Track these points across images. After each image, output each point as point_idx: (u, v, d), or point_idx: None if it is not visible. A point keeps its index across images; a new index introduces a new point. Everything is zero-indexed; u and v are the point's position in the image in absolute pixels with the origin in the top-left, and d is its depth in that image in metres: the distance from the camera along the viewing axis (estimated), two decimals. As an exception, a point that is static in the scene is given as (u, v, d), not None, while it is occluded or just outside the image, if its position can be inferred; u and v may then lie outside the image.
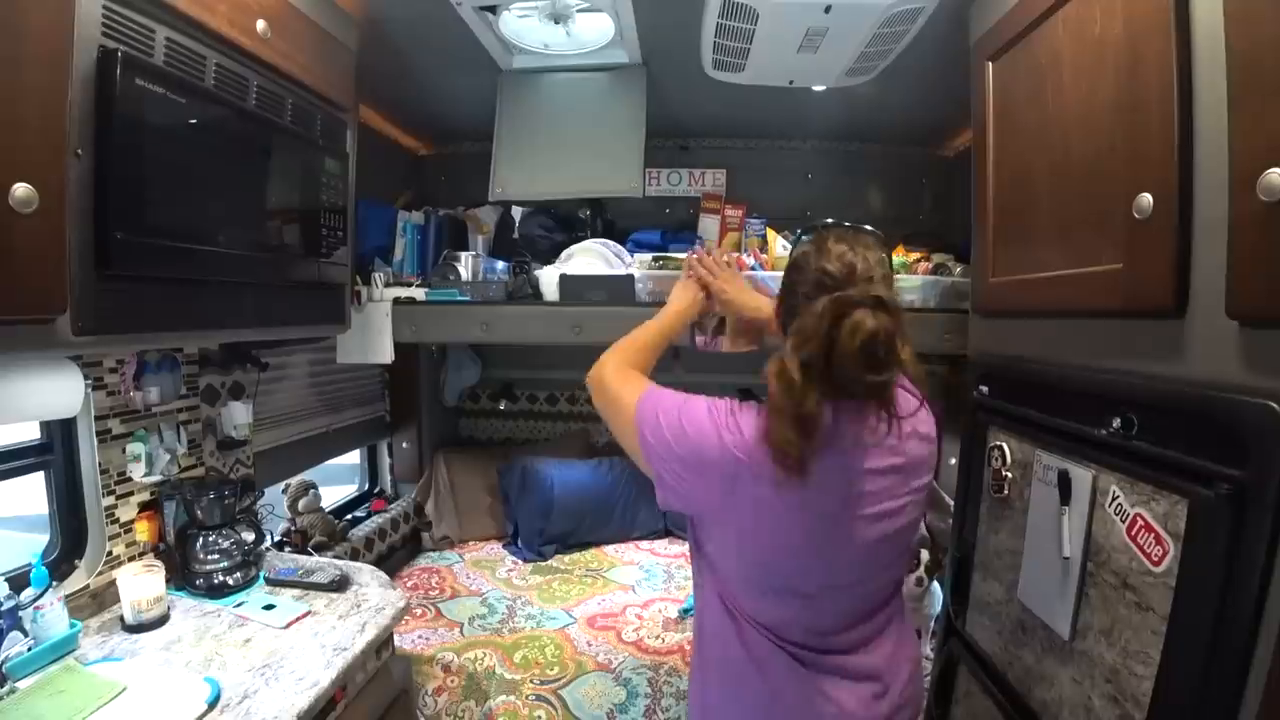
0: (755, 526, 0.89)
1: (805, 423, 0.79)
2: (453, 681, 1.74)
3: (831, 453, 0.84)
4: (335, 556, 1.85)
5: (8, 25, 0.77)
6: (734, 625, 0.95)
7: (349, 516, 2.45)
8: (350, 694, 1.29)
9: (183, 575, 1.48)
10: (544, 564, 2.46)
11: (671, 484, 0.91)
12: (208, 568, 1.48)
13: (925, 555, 1.90)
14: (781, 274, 0.97)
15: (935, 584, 1.90)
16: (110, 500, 1.40)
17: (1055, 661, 1.01)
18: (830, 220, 0.96)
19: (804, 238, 0.96)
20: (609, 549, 2.59)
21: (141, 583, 1.31)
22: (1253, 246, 0.69)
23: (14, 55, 0.79)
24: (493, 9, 1.55)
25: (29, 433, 1.37)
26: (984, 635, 1.25)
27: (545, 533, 2.54)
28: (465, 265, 1.87)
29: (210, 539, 1.50)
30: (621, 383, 1.02)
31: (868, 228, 0.95)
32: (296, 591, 1.51)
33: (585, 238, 2.04)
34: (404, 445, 2.73)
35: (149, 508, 1.49)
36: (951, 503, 1.75)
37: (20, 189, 0.79)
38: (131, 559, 1.44)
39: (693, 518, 0.99)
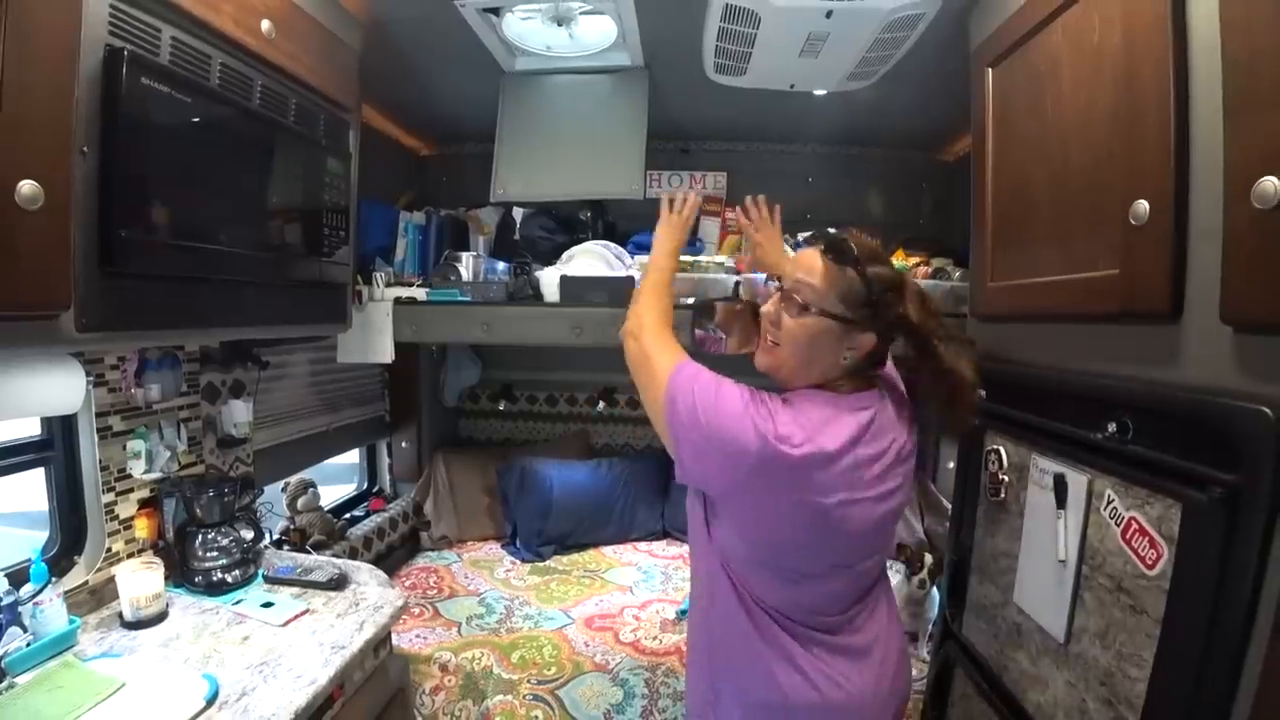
0: (775, 509, 0.90)
1: None
2: (450, 681, 1.74)
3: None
4: (334, 555, 1.85)
5: (16, 24, 0.78)
6: (743, 607, 0.97)
7: (348, 515, 2.45)
8: (348, 692, 1.30)
9: (181, 572, 1.48)
10: (542, 564, 2.46)
11: (691, 458, 0.92)
12: (206, 565, 1.48)
13: (929, 559, 1.90)
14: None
15: (935, 588, 1.90)
16: (110, 497, 1.41)
17: (1050, 664, 1.01)
18: (813, 234, 0.98)
19: (843, 260, 0.93)
20: (607, 550, 2.59)
21: (140, 579, 1.31)
22: (1247, 253, 0.70)
23: (21, 54, 0.79)
24: (496, 11, 1.56)
25: (30, 429, 1.37)
26: (980, 638, 1.25)
27: (544, 533, 2.54)
28: (466, 266, 1.87)
29: (209, 536, 1.50)
30: (661, 345, 1.01)
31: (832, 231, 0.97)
32: (295, 590, 1.51)
33: (586, 239, 2.05)
34: (403, 445, 2.73)
35: (149, 505, 1.49)
36: (949, 506, 1.75)
37: (26, 186, 0.80)
38: (131, 556, 1.44)
39: (705, 499, 1.00)
